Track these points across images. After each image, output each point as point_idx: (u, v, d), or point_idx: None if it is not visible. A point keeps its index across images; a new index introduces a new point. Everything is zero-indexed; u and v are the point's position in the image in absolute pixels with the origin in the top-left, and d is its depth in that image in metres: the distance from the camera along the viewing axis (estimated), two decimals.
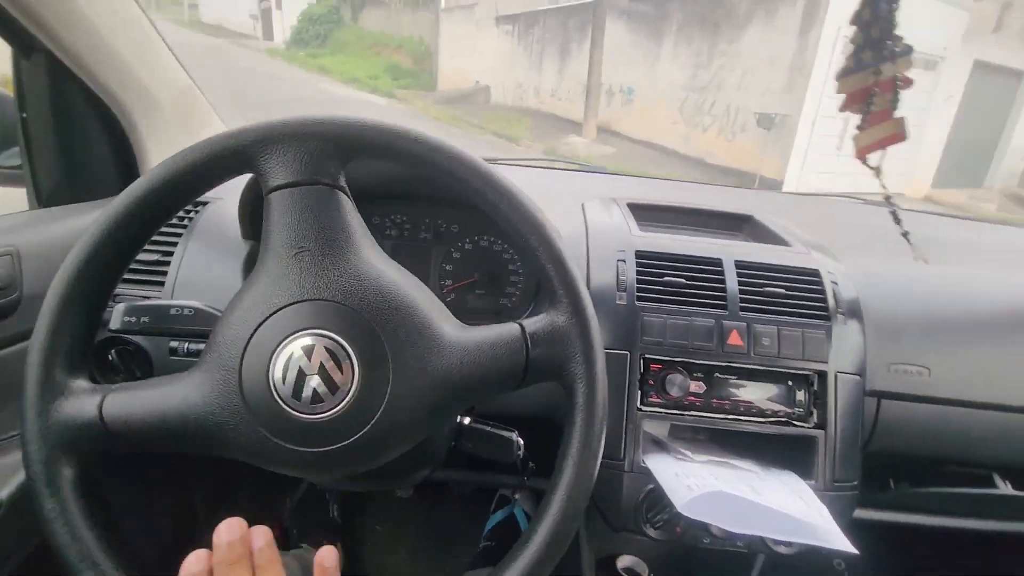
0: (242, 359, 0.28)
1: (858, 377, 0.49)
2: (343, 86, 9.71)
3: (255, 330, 0.28)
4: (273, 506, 0.91)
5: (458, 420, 0.43)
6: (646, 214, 0.59)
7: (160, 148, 0.62)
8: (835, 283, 0.51)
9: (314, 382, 0.27)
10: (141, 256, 0.51)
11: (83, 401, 0.28)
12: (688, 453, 0.47)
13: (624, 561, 0.65)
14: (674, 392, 0.46)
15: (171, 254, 0.52)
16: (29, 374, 0.28)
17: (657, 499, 0.46)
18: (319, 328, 0.28)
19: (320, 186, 0.29)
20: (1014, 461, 0.56)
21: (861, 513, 0.56)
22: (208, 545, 0.27)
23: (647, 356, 0.46)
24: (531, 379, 0.31)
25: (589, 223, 0.54)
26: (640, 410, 0.46)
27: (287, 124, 0.29)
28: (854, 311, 0.50)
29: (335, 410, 0.27)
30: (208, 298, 0.39)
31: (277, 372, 0.27)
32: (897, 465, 0.59)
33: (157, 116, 0.61)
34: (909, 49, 0.41)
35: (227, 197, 0.56)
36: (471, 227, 0.58)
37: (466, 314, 0.52)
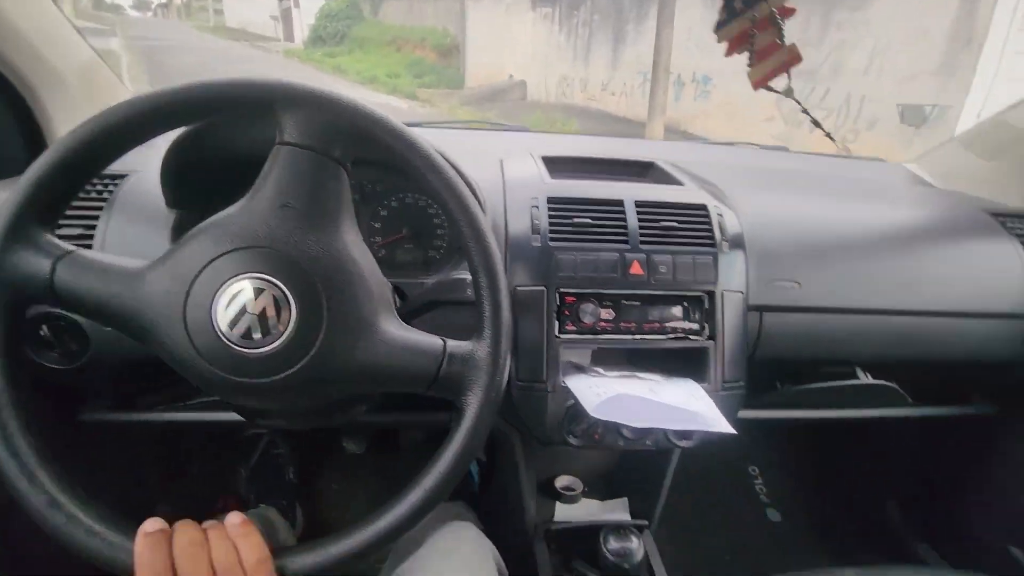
0: (195, 279, 0.42)
1: (741, 294, 0.76)
2: (360, 87, 11.41)
3: (215, 258, 0.42)
4: (228, 475, 1.23)
5: None
6: (559, 165, 0.87)
7: (68, 123, 0.81)
8: (720, 215, 0.79)
9: (251, 320, 0.41)
10: (64, 232, 0.68)
11: (40, 257, 0.42)
12: (601, 370, 0.73)
13: (562, 481, 0.99)
14: (587, 319, 0.73)
15: (94, 227, 0.69)
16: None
17: (577, 413, 0.72)
18: (273, 276, 0.42)
19: (329, 159, 0.45)
20: (872, 356, 0.86)
21: (753, 412, 0.87)
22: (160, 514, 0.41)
23: (562, 290, 0.73)
24: (435, 391, 0.49)
25: (506, 175, 0.83)
26: (558, 337, 0.73)
27: (316, 92, 0.45)
28: (737, 238, 0.78)
29: (260, 351, 0.42)
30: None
31: (222, 301, 0.41)
32: (782, 368, 0.88)
33: (62, 91, 0.80)
34: None
35: (143, 170, 0.75)
36: (396, 186, 0.81)
37: (397, 268, 0.81)
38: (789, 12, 0.67)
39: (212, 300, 0.42)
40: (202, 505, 1.21)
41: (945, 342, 0.88)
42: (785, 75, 0.70)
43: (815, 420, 0.97)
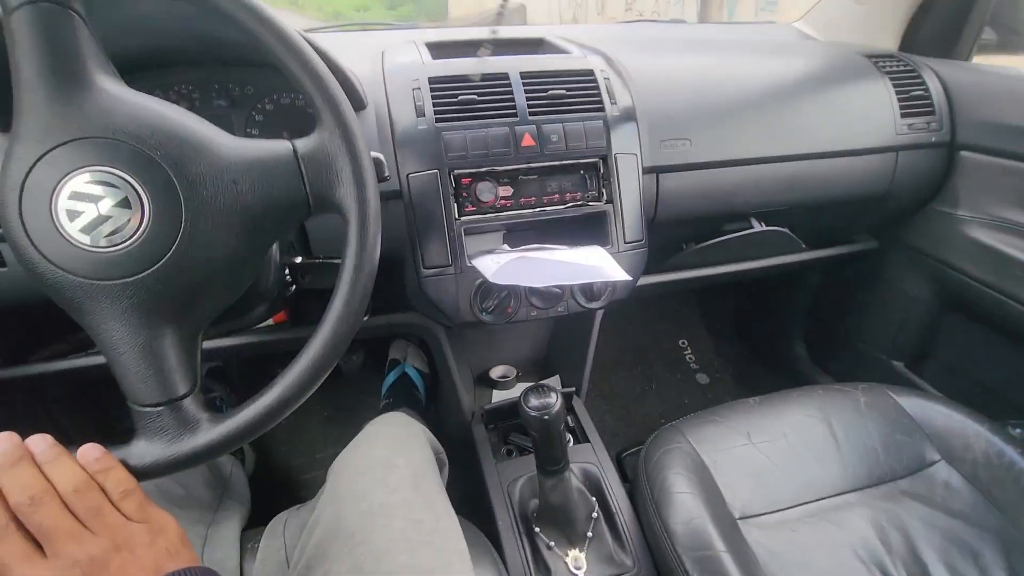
0: (21, 192, 0.38)
1: (635, 156, 0.77)
2: (320, 25, 9.94)
3: (27, 175, 0.38)
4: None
5: (290, 260, 0.68)
6: (443, 50, 0.84)
7: None
8: (608, 79, 0.79)
9: (98, 217, 0.38)
10: None
11: None
12: (507, 247, 0.74)
13: (497, 371, 1.05)
14: (485, 198, 0.73)
15: None
16: None
17: (487, 290, 0.73)
18: (96, 165, 0.38)
19: (56, 5, 0.38)
20: (763, 204, 0.91)
21: (665, 276, 0.95)
22: None
23: (456, 172, 0.72)
24: (316, 207, 0.44)
25: (386, 64, 0.79)
26: (458, 220, 0.72)
27: None
28: (626, 102, 0.79)
29: (129, 242, 0.39)
30: None
31: (60, 207, 0.38)
32: (684, 228, 0.93)
33: None
34: None
35: None
36: (268, 86, 0.75)
37: None
38: None
39: (52, 216, 0.38)
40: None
41: (827, 182, 0.94)
42: None
43: (721, 276, 1.04)
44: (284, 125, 0.77)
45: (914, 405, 0.79)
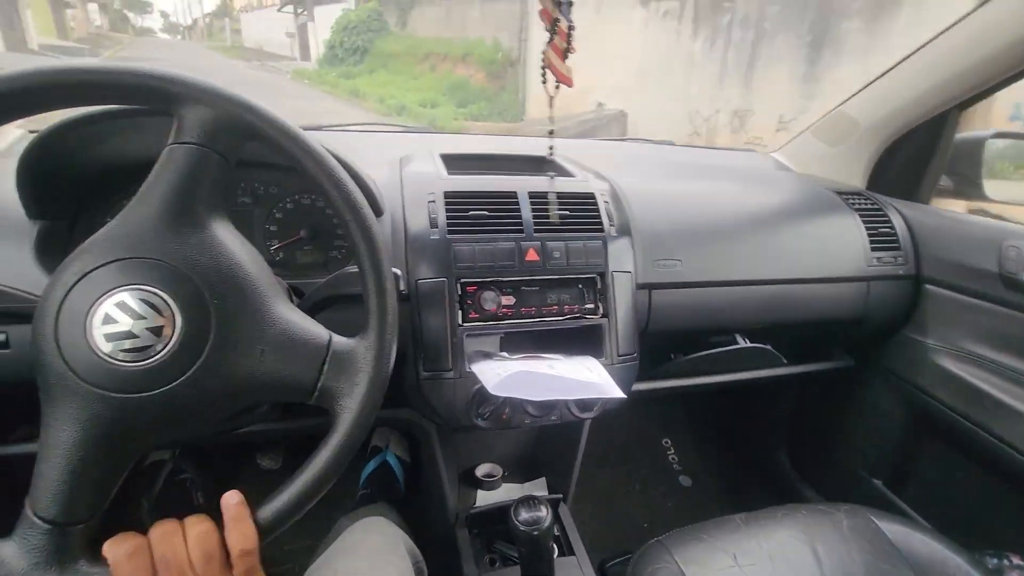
0: (66, 296, 0.40)
1: (629, 273, 0.83)
2: (383, 118, 8.71)
3: (87, 273, 0.41)
4: (129, 510, 1.15)
5: None
6: (457, 163, 0.91)
7: None
8: (607, 202, 0.86)
9: (129, 333, 0.40)
10: None
11: None
12: (506, 355, 0.77)
13: (482, 469, 1.06)
14: (488, 306, 0.77)
15: None
16: None
17: (484, 396, 0.75)
18: (152, 286, 0.41)
19: (213, 152, 0.45)
20: (747, 322, 0.97)
21: (652, 384, 0.97)
22: None
23: (462, 280, 0.76)
24: (317, 400, 0.47)
25: (404, 173, 0.85)
26: (461, 326, 0.76)
27: (210, 88, 0.44)
28: (624, 224, 0.86)
29: (142, 364, 0.40)
30: None
31: (97, 316, 0.40)
32: (673, 340, 0.98)
33: None
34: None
35: None
36: (291, 187, 0.81)
37: (296, 270, 0.81)
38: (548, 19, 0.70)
39: (86, 316, 0.40)
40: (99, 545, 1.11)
41: (805, 305, 1.00)
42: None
43: (707, 386, 1.08)
44: (302, 224, 0.82)
45: (896, 532, 0.81)
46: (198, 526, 0.42)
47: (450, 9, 11.77)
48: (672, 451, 1.66)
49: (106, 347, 0.40)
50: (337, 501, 1.28)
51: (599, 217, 0.84)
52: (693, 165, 1.27)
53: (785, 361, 1.07)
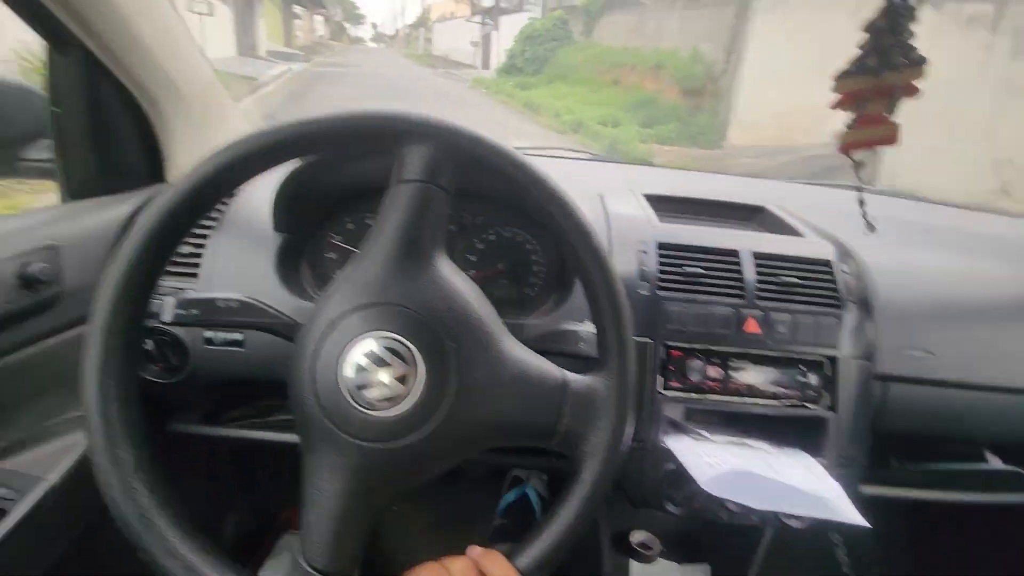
0: (322, 340, 0.42)
1: (867, 362, 0.69)
2: (557, 135, 7.81)
3: (338, 318, 0.42)
4: (292, 489, 1.24)
5: None
6: (663, 205, 0.82)
7: (185, 140, 0.84)
8: (845, 272, 0.72)
9: (376, 382, 0.40)
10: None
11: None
12: (705, 433, 0.67)
13: (637, 536, 0.92)
14: (694, 377, 0.68)
15: (203, 246, 0.71)
16: (88, 367, 0.41)
17: (677, 477, 0.66)
18: (396, 333, 0.41)
19: (438, 188, 0.45)
20: (1006, 438, 0.76)
21: (874, 490, 0.78)
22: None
23: (668, 343, 0.68)
24: (559, 445, 0.46)
25: (610, 214, 0.78)
26: (661, 394, 0.68)
27: (438, 126, 0.44)
28: (864, 299, 0.71)
29: (387, 413, 0.41)
30: (240, 288, 0.58)
31: (348, 363, 0.41)
32: (899, 443, 0.79)
33: (183, 109, 0.82)
34: (922, 60, 0.59)
35: (252, 190, 0.75)
36: (496, 219, 0.78)
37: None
38: (913, 91, 0.62)
39: (337, 366, 0.41)
40: (267, 517, 1.22)
41: None
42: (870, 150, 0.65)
43: (932, 502, 0.87)
44: (501, 256, 0.80)
45: None
46: (458, 562, 0.43)
47: (644, 16, 10.13)
48: (841, 548, 1.39)
49: (359, 397, 0.41)
50: (472, 527, 1.25)
51: (836, 289, 0.71)
52: (957, 232, 1.04)
53: None
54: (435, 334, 0.43)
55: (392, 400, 0.41)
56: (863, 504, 0.66)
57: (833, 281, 0.71)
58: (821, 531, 1.42)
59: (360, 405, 0.41)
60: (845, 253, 0.77)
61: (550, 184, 0.46)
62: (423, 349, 0.42)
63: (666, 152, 6.63)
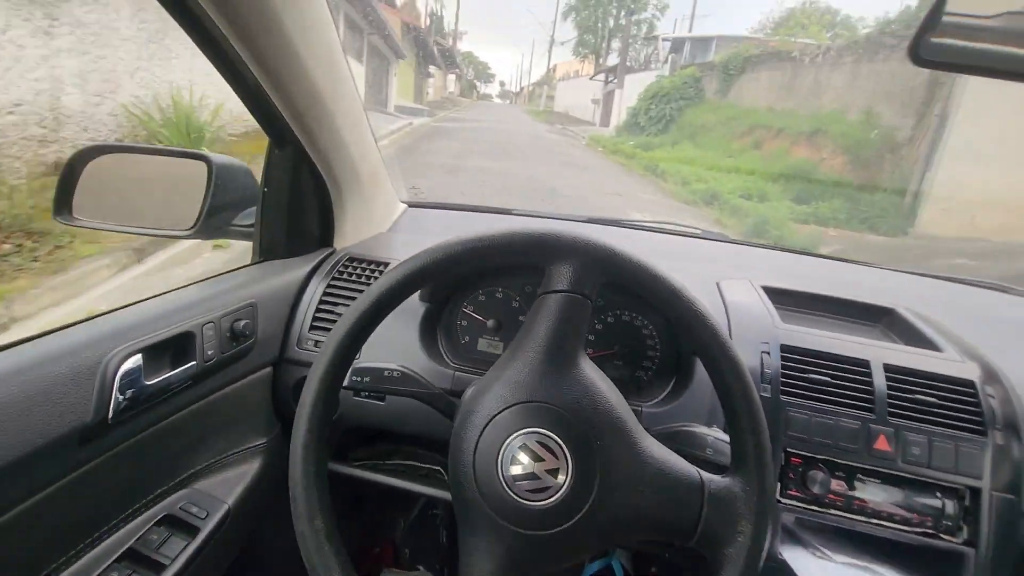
0: (481, 434, 0.47)
1: (1014, 497, 0.63)
2: (687, 209, 6.48)
3: (497, 414, 0.48)
4: (388, 525, 1.31)
5: None
6: (784, 299, 0.81)
7: (353, 213, 0.98)
8: (991, 396, 0.67)
9: (531, 474, 0.45)
10: (338, 308, 0.82)
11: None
12: (827, 551, 0.65)
13: None
14: (815, 489, 0.66)
15: None
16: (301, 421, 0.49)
17: None
18: (549, 430, 0.46)
19: (584, 298, 0.50)
20: None
21: None
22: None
23: (789, 450, 0.67)
24: (698, 544, 0.47)
25: (729, 305, 0.79)
26: (780, 501, 0.66)
27: (587, 245, 0.50)
28: (1012, 426, 0.65)
29: (542, 504, 0.45)
30: (390, 352, 0.72)
31: (506, 455, 0.46)
32: None
33: (356, 187, 0.97)
34: None
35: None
36: (615, 302, 0.81)
37: None
38: None
39: (497, 456, 0.47)
40: (365, 545, 1.29)
41: None
42: None
43: None
44: (617, 339, 0.82)
45: None
46: None
47: (798, 73, 8.35)
48: None
49: (514, 487, 0.46)
50: None
51: (981, 415, 0.66)
52: None
53: None
54: (582, 431, 0.47)
55: (545, 492, 0.46)
56: None
57: (977, 404, 0.67)
58: None
59: (516, 495, 0.46)
60: (991, 373, 0.71)
61: (687, 296, 0.50)
62: (571, 445, 0.46)
63: (833, 237, 5.45)
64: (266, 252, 0.92)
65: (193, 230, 0.81)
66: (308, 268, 0.91)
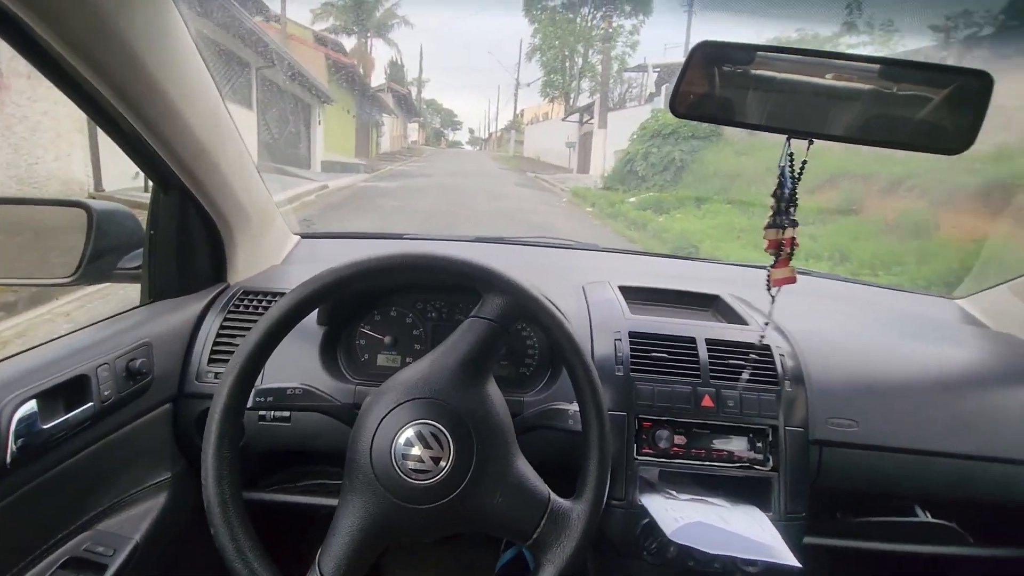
0: (381, 421, 0.57)
1: (802, 430, 0.83)
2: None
3: (399, 405, 0.58)
4: (310, 552, 1.30)
5: None
6: (633, 295, 0.99)
7: (244, 249, 1.01)
8: (783, 355, 0.87)
9: (418, 457, 0.55)
10: (236, 340, 0.86)
11: None
12: (674, 492, 0.81)
13: None
14: (662, 444, 0.82)
15: None
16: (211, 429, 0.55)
17: (651, 530, 0.79)
18: (438, 422, 0.57)
19: (503, 329, 0.62)
20: (932, 495, 0.88)
21: (814, 539, 0.89)
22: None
23: (640, 416, 0.83)
24: (529, 548, 0.60)
25: (591, 305, 0.94)
26: (636, 459, 0.82)
27: (514, 284, 0.62)
28: (798, 378, 0.86)
29: (422, 482, 0.55)
30: (290, 376, 0.72)
31: (400, 440, 0.56)
32: (841, 499, 0.91)
33: (245, 224, 1.00)
34: (795, 223, 0.71)
35: None
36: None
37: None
38: (793, 245, 0.73)
39: (393, 437, 0.56)
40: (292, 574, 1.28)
41: (1003, 486, 0.90)
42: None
43: (875, 551, 0.99)
44: (505, 346, 0.93)
45: None
46: None
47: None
48: None
49: (402, 464, 0.56)
50: None
51: (775, 370, 0.86)
52: (875, 309, 1.22)
53: (971, 540, 0.95)
54: (468, 433, 0.58)
55: (426, 474, 0.56)
56: (810, 552, 0.78)
57: (772, 364, 0.87)
58: None
59: (401, 471, 0.56)
60: (783, 338, 0.93)
61: (574, 343, 0.64)
62: (456, 441, 0.57)
63: None
64: (157, 292, 0.94)
65: (73, 277, 0.81)
66: (202, 304, 0.93)
